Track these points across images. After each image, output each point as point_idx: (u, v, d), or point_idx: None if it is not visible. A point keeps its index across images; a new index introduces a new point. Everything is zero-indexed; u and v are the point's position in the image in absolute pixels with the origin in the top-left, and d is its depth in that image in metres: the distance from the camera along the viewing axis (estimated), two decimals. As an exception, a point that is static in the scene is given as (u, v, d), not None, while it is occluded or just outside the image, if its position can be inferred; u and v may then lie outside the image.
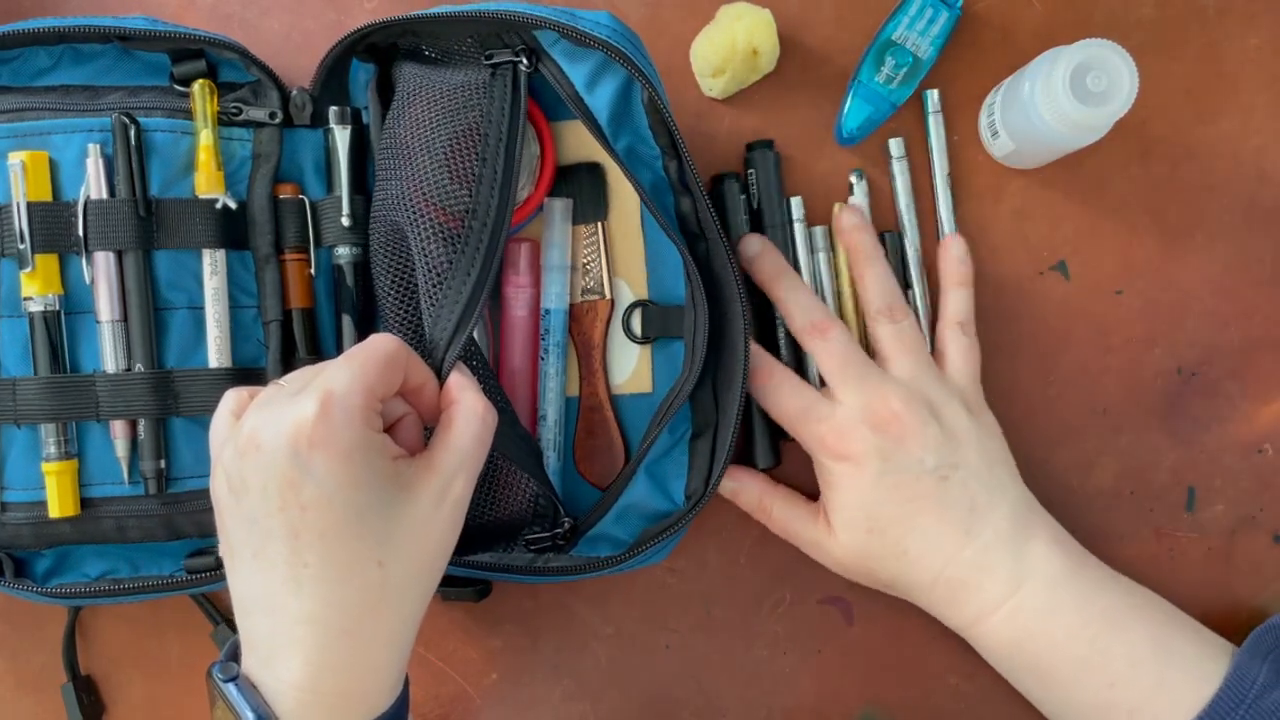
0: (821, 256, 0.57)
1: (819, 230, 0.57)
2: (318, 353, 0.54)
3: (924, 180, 0.58)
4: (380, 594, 0.41)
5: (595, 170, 0.56)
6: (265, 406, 0.41)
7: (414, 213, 0.48)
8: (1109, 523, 0.58)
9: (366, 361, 0.42)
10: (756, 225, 0.57)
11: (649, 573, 0.58)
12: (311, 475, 0.39)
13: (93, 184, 0.51)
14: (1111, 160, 0.58)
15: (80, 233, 0.51)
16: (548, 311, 0.56)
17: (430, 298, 0.46)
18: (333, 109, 0.54)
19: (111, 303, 0.51)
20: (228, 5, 0.59)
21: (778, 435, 0.56)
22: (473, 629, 0.58)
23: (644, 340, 0.56)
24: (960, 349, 0.55)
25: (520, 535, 0.52)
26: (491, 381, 0.48)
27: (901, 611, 0.56)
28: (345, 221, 0.53)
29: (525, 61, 0.50)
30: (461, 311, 0.46)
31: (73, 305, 0.51)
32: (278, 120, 0.54)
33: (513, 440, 0.49)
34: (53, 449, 0.51)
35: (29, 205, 0.50)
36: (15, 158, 0.50)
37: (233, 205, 0.52)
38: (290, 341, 0.54)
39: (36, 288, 0.51)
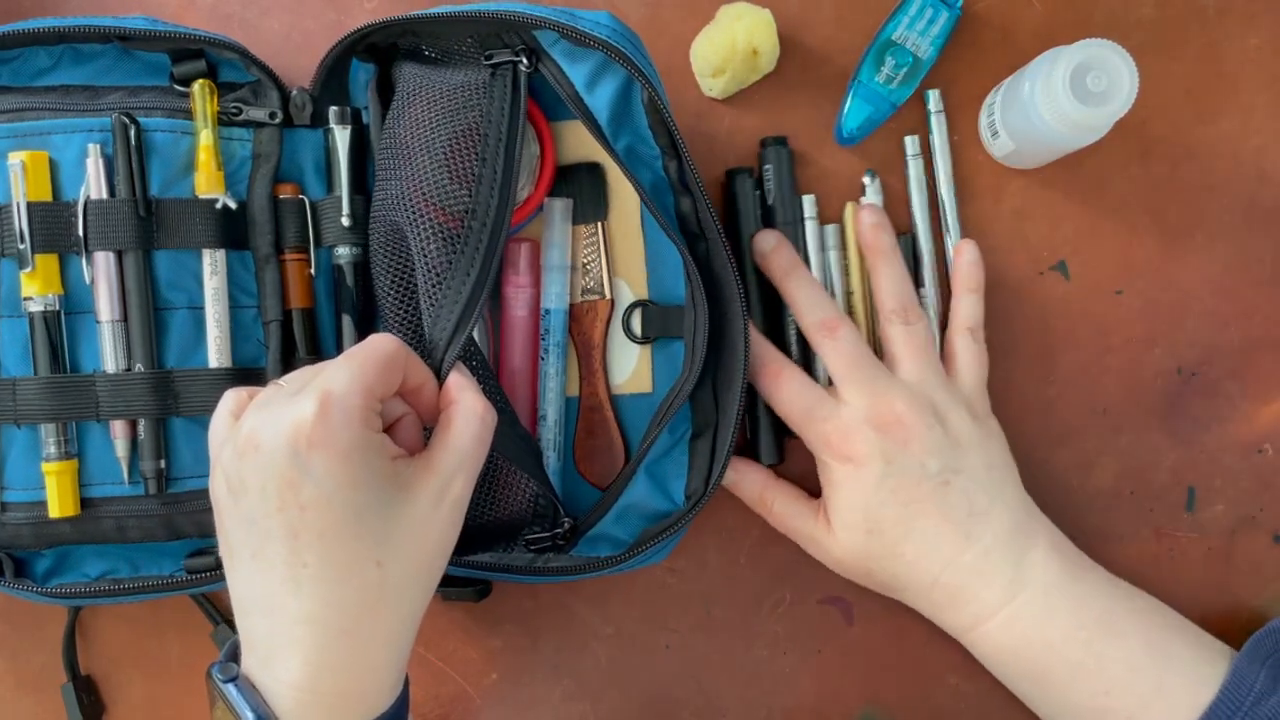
0: (832, 255, 0.57)
1: (830, 229, 0.57)
2: (318, 353, 0.54)
3: (926, 180, 0.58)
4: (379, 594, 0.41)
5: (595, 170, 0.56)
6: (264, 407, 0.41)
7: (414, 213, 0.48)
8: (1109, 523, 0.58)
9: (366, 362, 0.42)
10: (768, 222, 0.57)
11: (649, 573, 0.58)
12: (310, 475, 0.39)
13: (93, 184, 0.51)
14: (1111, 160, 0.58)
15: (80, 233, 0.51)
16: (548, 311, 0.56)
17: (430, 298, 0.46)
18: (333, 109, 0.54)
19: (111, 303, 0.51)
20: (228, 5, 0.59)
21: (783, 432, 0.56)
22: (473, 629, 0.58)
23: (644, 340, 0.56)
24: (969, 354, 0.55)
25: (520, 535, 0.52)
26: (491, 381, 0.48)
27: (901, 612, 0.56)
28: (345, 221, 0.53)
29: (525, 61, 0.50)
30: (461, 311, 0.46)
31: (73, 305, 0.51)
32: (278, 120, 0.53)
33: (512, 440, 0.49)
34: (53, 449, 0.51)
35: (29, 205, 0.50)
36: (15, 158, 0.50)
37: (233, 205, 0.52)
38: (290, 341, 0.54)
39: (36, 288, 0.51)
